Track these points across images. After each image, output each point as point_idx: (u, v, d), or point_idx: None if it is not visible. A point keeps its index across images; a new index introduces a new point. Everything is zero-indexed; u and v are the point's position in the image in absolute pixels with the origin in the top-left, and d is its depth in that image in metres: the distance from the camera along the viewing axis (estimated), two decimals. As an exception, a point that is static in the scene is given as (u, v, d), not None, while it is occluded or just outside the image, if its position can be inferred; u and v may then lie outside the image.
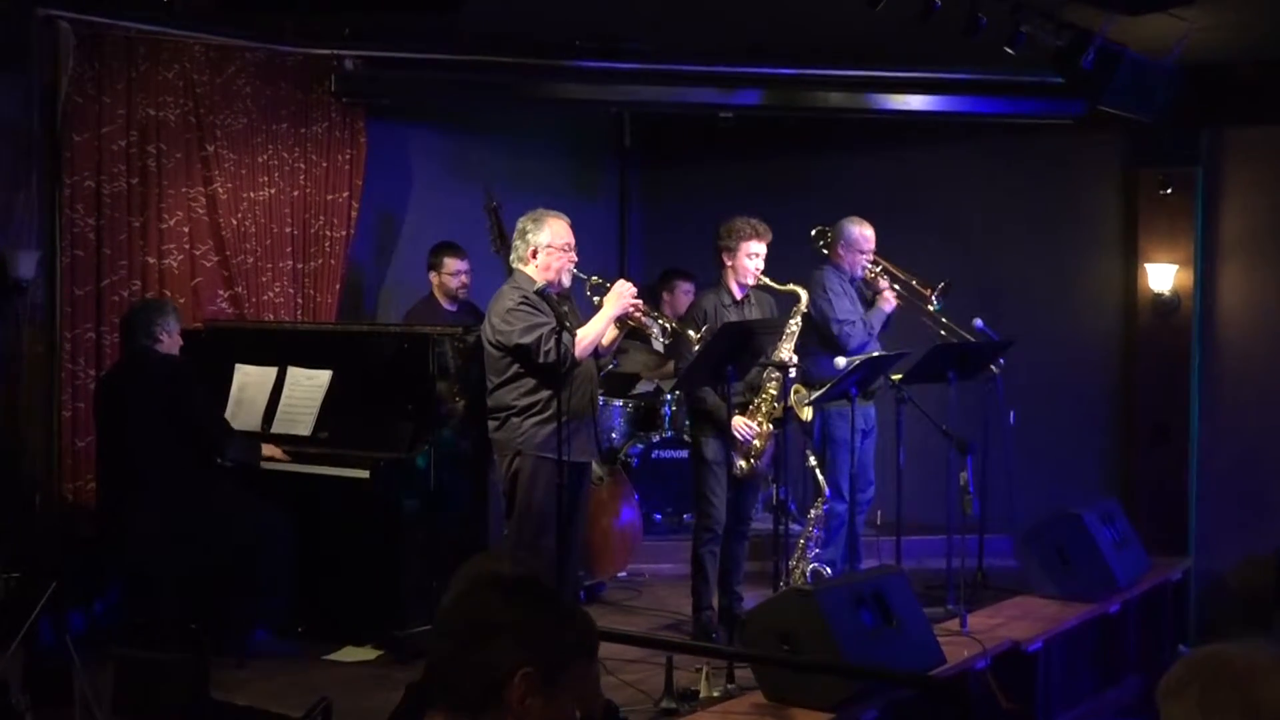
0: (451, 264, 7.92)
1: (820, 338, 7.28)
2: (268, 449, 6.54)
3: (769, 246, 6.66)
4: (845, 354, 7.14)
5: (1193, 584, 8.58)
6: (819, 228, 7.61)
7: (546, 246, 5.98)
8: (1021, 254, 9.29)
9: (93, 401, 6.71)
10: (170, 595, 6.16)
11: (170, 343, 6.41)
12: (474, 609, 2.29)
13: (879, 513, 7.84)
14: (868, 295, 7.60)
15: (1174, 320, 8.84)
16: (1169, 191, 8.74)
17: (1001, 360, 7.43)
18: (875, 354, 6.83)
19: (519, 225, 6.07)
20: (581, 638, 2.33)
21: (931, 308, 7.43)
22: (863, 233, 7.45)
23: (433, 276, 7.97)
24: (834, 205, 8.18)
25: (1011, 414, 7.70)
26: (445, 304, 7.93)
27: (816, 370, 7.20)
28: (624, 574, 8.03)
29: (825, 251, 7.54)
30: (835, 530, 7.31)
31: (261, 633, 6.32)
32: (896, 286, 7.52)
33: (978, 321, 7.60)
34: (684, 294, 8.96)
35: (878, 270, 7.53)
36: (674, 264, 9.33)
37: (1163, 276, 8.79)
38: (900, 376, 6.82)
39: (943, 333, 7.45)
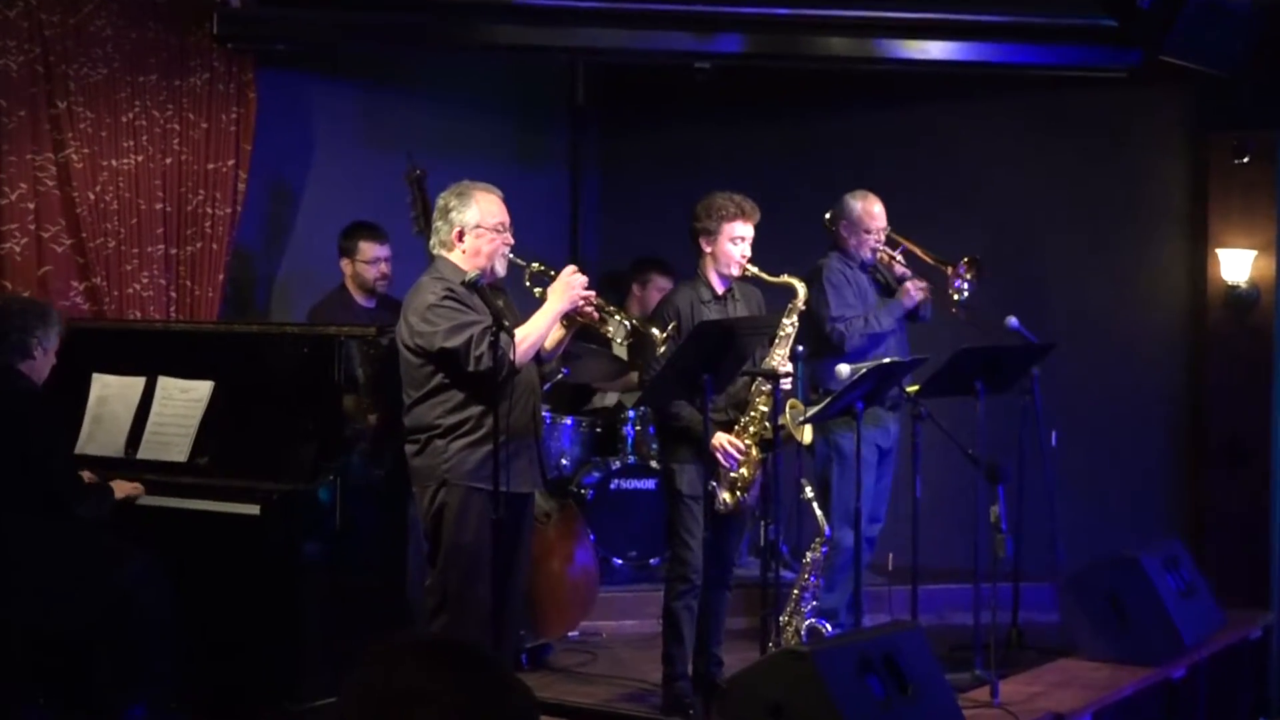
0: (368, 249, 7.88)
1: (820, 339, 7.31)
2: (121, 487, 6.46)
3: (757, 229, 6.66)
4: (845, 356, 7.18)
5: (1275, 643, 8.61)
6: (831, 212, 7.65)
7: (475, 227, 5.95)
8: (1066, 237, 9.32)
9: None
10: (17, 664, 6.10)
11: (43, 362, 6.31)
12: (388, 679, 2.28)
13: (890, 556, 7.84)
14: (890, 284, 7.64)
15: (1252, 318, 8.88)
16: (1246, 160, 8.78)
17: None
18: (885, 360, 6.84)
19: (440, 202, 6.05)
20: (518, 714, 2.32)
21: (957, 297, 7.46)
22: (867, 208, 7.51)
23: (345, 265, 7.93)
24: (835, 177, 8.19)
25: (1053, 434, 7.71)
26: (360, 298, 7.89)
27: (825, 380, 7.23)
28: (576, 633, 8.01)
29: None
30: (840, 570, 7.31)
31: (131, 709, 6.26)
32: (909, 271, 7.55)
33: (1012, 320, 7.62)
34: (659, 292, 8.96)
35: (894, 253, 7.58)
36: (634, 247, 9.34)
37: (1238, 264, 8.83)
38: (917, 388, 6.83)
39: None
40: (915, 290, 7.54)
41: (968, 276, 7.54)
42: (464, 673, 2.29)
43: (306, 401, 6.60)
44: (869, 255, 7.59)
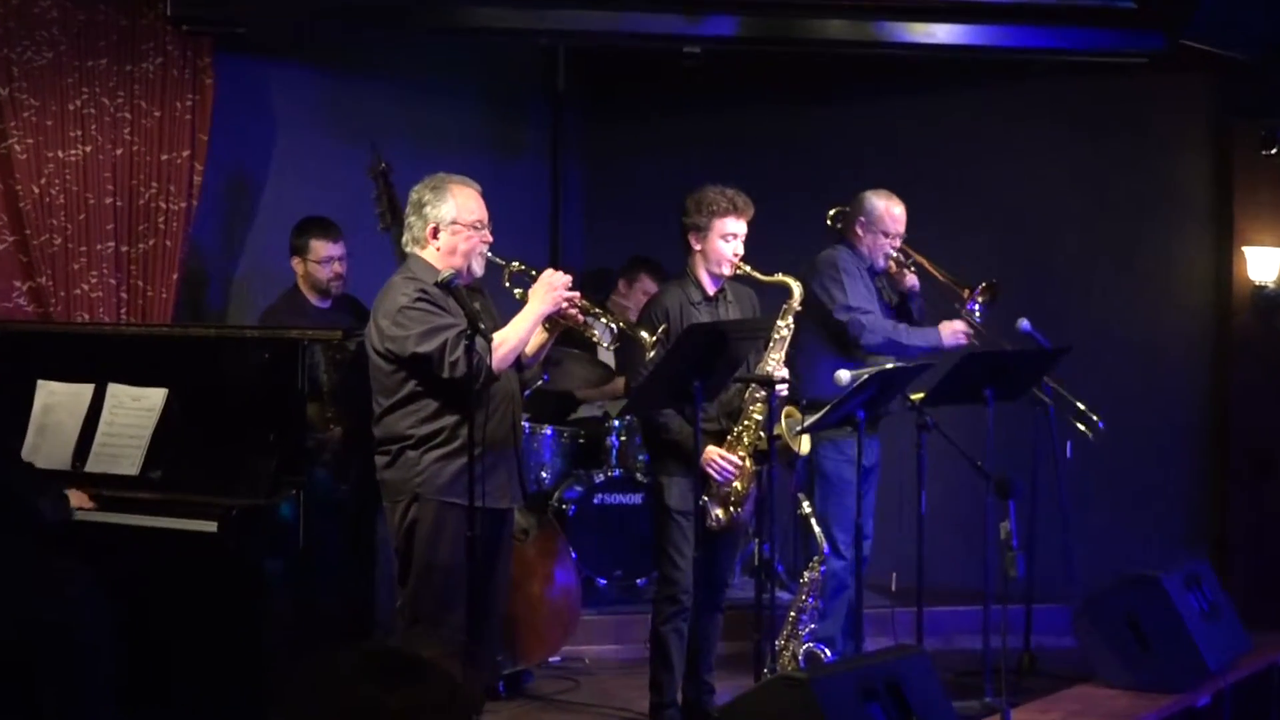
0: (320, 248, 7.87)
1: (827, 334, 7.29)
2: (75, 496, 6.46)
3: (751, 225, 6.67)
4: (857, 350, 7.18)
5: (1306, 668, 8.65)
6: (837, 209, 7.66)
7: (451, 224, 5.95)
8: (1080, 234, 9.34)
9: None
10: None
11: None
12: (342, 697, 2.31)
13: (894, 576, 7.86)
14: (891, 298, 7.64)
15: (1280, 320, 8.93)
16: (1274, 151, 8.81)
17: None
18: (888, 366, 6.83)
19: (413, 196, 6.03)
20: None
21: (969, 318, 7.47)
22: (889, 209, 7.52)
23: (296, 264, 7.93)
24: (833, 170, 8.21)
25: (1068, 445, 7.73)
26: (313, 299, 7.89)
27: (808, 388, 7.21)
28: (557, 658, 8.01)
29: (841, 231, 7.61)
30: (832, 596, 7.32)
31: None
32: (917, 283, 7.55)
33: (1024, 323, 7.63)
34: (644, 295, 8.96)
35: (907, 263, 7.58)
36: (619, 244, 9.32)
37: (1266, 262, 8.85)
38: (922, 396, 6.84)
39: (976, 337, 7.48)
40: (962, 333, 7.46)
41: (980, 300, 7.51)
42: (421, 691, 2.33)
43: (268, 410, 6.58)
44: (882, 262, 7.56)
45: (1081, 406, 7.71)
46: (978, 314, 7.51)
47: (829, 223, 7.70)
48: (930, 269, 7.61)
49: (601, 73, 10.22)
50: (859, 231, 7.56)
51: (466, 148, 9.27)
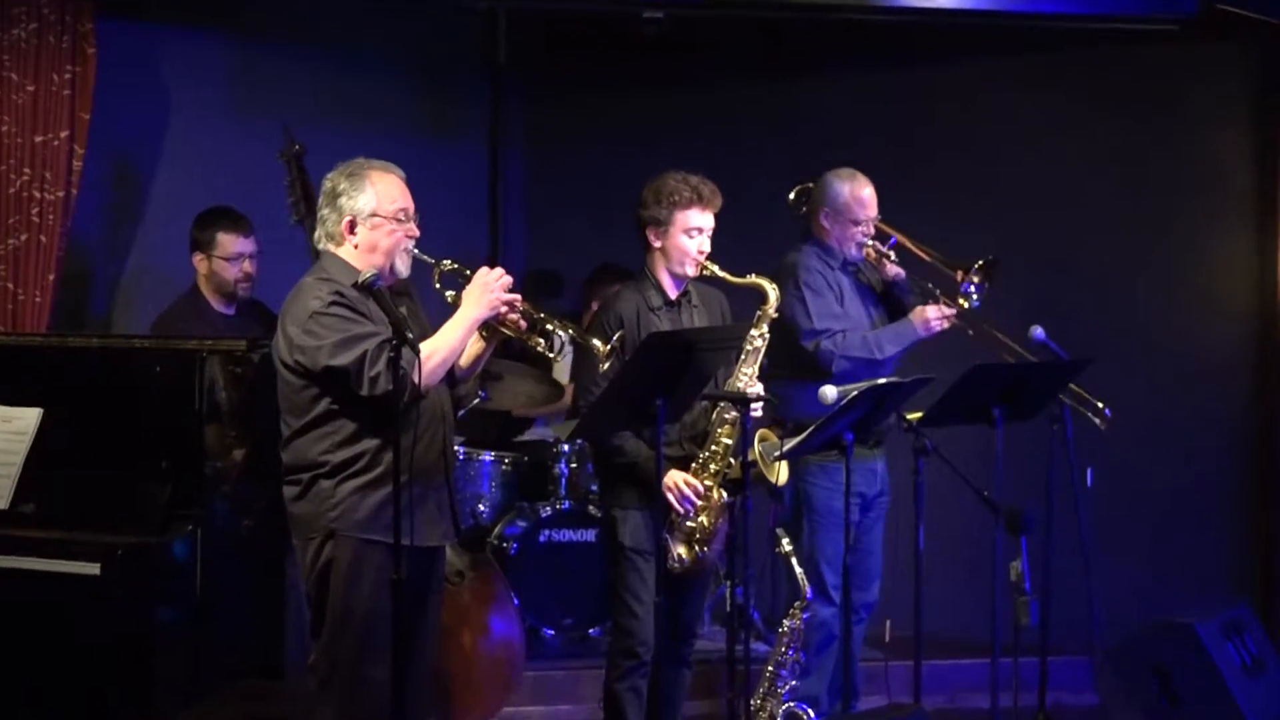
0: (229, 243, 7.84)
1: (795, 356, 7.28)
2: None
3: (719, 218, 6.67)
4: (831, 378, 7.16)
5: (1362, 729, 8.69)
6: (801, 185, 7.64)
7: (370, 216, 5.92)
8: (1103, 227, 9.37)
9: None
10: None
11: None
12: None
13: (889, 624, 7.87)
14: (876, 285, 7.63)
15: (1333, 328, 8.97)
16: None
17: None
18: (880, 381, 6.82)
19: (327, 185, 6.00)
20: None
21: (965, 303, 7.45)
22: (855, 193, 7.47)
23: (199, 261, 7.90)
24: (817, 156, 8.20)
25: (1089, 472, 7.74)
26: (217, 303, 7.86)
27: (796, 407, 7.20)
28: (498, 721, 8.03)
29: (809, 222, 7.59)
30: (819, 649, 7.31)
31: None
32: (903, 272, 7.55)
33: (1038, 331, 7.63)
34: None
35: (886, 248, 7.55)
36: (567, 239, 9.33)
37: (1316, 261, 8.92)
38: (920, 415, 6.84)
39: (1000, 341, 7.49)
40: (937, 320, 7.45)
41: (976, 280, 7.47)
42: None
43: (160, 433, 6.57)
44: (856, 252, 7.52)
45: (1083, 393, 7.65)
46: (975, 297, 7.47)
47: (793, 203, 7.66)
48: (914, 249, 7.55)
49: (548, 42, 10.22)
50: (824, 224, 7.52)
51: (392, 128, 9.26)
